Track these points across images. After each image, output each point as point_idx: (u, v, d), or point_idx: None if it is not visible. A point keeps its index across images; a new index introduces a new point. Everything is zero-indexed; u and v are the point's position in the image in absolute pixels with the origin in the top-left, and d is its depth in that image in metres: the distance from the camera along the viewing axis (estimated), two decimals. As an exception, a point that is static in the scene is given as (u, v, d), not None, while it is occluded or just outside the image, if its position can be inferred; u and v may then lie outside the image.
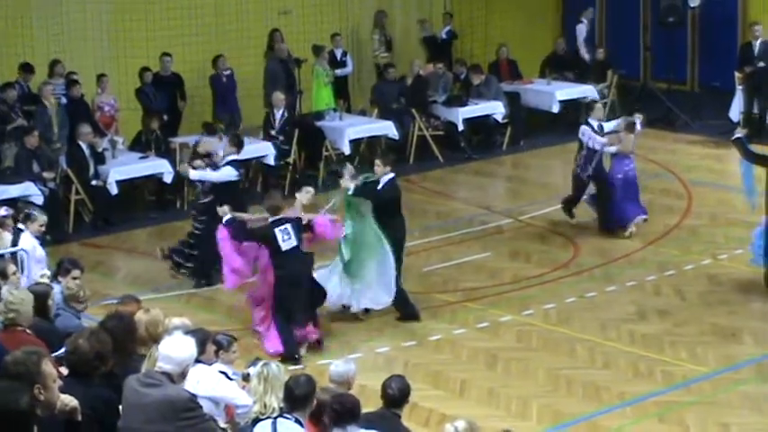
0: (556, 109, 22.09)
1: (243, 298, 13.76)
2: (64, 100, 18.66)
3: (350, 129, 20.03)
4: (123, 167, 17.94)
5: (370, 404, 8.83)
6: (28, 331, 8.65)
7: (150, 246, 16.43)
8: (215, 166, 15.04)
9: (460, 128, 21.05)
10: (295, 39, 21.65)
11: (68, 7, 20.20)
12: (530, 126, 22.18)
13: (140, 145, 18.85)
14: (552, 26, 25.71)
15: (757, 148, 15.28)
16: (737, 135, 15.09)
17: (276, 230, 12.86)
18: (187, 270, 15.21)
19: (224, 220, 13.32)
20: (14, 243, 12.59)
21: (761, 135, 19.87)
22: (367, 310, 13.86)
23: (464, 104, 21.18)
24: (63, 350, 7.78)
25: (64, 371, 7.47)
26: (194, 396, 7.51)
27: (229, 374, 9.11)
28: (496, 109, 21.38)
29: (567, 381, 12.22)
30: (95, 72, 19.66)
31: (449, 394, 12.05)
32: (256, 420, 8.00)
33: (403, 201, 14.18)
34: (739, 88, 21.43)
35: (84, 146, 17.63)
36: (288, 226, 12.90)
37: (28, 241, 12.55)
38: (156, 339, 8.32)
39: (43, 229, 12.89)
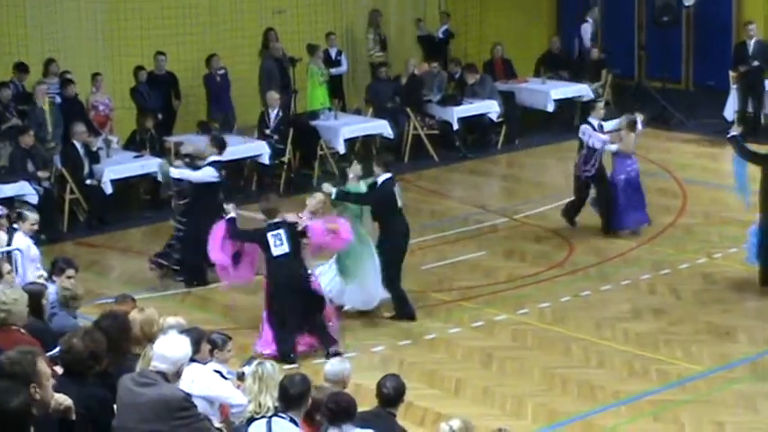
0: (551, 108, 22.10)
1: (238, 297, 13.75)
2: (58, 99, 18.65)
3: (345, 128, 20.03)
4: (118, 166, 17.92)
5: (366, 403, 8.81)
6: (22, 331, 8.63)
7: (145, 245, 16.43)
8: (196, 167, 14.97)
9: (455, 127, 21.06)
10: (290, 38, 21.66)
11: (63, 6, 20.20)
12: (524, 125, 22.19)
13: (135, 144, 18.85)
14: (547, 25, 25.73)
15: (752, 147, 15.27)
16: (733, 133, 15.09)
17: (269, 235, 12.72)
18: (176, 273, 15.16)
19: (227, 216, 13.25)
20: (10, 242, 12.58)
21: (755, 134, 19.89)
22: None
23: (459, 103, 21.19)
24: (57, 349, 7.78)
25: (58, 370, 7.46)
26: (189, 395, 7.51)
27: (224, 374, 9.11)
28: (491, 108, 21.39)
29: (562, 380, 12.22)
30: (90, 71, 19.66)
31: (444, 393, 12.05)
32: (251, 420, 7.99)
33: (399, 200, 14.13)
34: (733, 87, 21.46)
35: (78, 145, 17.61)
36: (281, 231, 12.69)
37: (22, 240, 12.54)
38: (150, 338, 8.31)
39: (35, 227, 12.85)
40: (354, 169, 14.17)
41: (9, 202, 15.92)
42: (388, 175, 13.83)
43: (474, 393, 12.02)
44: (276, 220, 12.83)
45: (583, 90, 22.26)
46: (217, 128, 19.30)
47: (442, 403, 11.66)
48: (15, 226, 12.78)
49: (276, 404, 7.95)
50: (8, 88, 18.37)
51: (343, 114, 20.99)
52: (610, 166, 16.47)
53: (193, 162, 15.14)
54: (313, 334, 12.91)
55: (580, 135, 16.49)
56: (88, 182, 17.66)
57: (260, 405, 7.99)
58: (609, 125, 16.98)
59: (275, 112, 19.39)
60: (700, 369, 12.38)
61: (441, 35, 23.36)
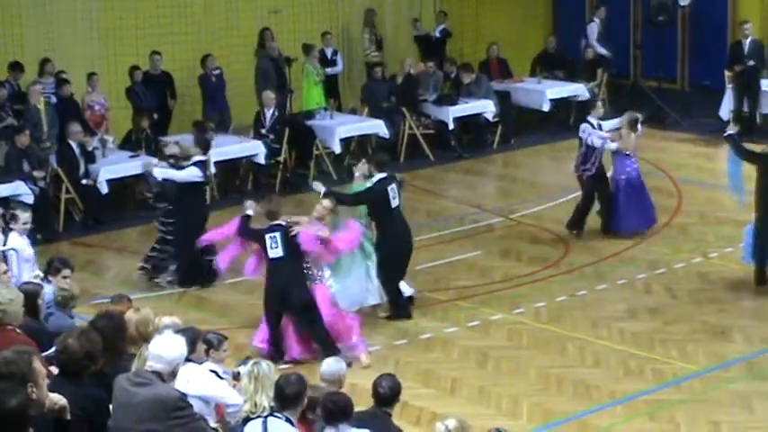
0: (546, 107, 22.10)
1: (236, 297, 13.74)
2: (54, 99, 18.64)
3: (340, 128, 20.03)
4: (113, 166, 17.91)
5: (362, 403, 8.82)
6: (18, 331, 8.63)
7: (141, 245, 16.39)
8: (180, 168, 14.94)
9: (451, 126, 21.06)
10: (285, 38, 21.66)
11: (58, 6, 20.19)
12: (520, 125, 22.20)
13: (130, 144, 18.84)
14: (543, 25, 25.73)
15: (748, 146, 15.27)
16: (730, 132, 15.10)
17: (267, 236, 12.64)
18: (168, 277, 15.08)
19: (246, 212, 13.18)
20: (5, 243, 12.58)
21: (751, 133, 19.90)
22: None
23: (454, 103, 21.19)
24: (53, 350, 7.77)
25: (54, 370, 7.46)
26: (184, 395, 7.51)
27: (220, 373, 9.10)
28: (487, 108, 21.39)
29: (558, 379, 12.22)
30: (85, 71, 19.64)
31: (440, 393, 12.05)
32: (247, 419, 8.00)
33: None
34: (729, 87, 21.46)
35: (74, 145, 17.61)
36: (277, 234, 12.59)
37: (16, 240, 12.53)
38: (146, 338, 8.31)
39: (27, 226, 12.82)
40: (361, 168, 14.07)
41: (5, 201, 15.91)
42: (383, 174, 13.80)
43: (470, 393, 12.03)
44: (277, 222, 12.77)
45: (578, 90, 22.27)
46: (213, 127, 19.31)
47: (437, 403, 11.66)
48: (12, 226, 12.78)
49: (272, 404, 7.95)
50: (4, 88, 18.35)
51: (338, 114, 20.99)
52: (610, 167, 16.45)
53: (178, 163, 15.09)
54: (311, 340, 12.72)
55: (580, 133, 16.39)
56: (84, 182, 17.66)
57: (256, 405, 7.99)
58: (608, 125, 16.95)
59: (271, 111, 19.39)
60: (695, 368, 12.39)
61: (438, 34, 23.34)
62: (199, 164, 14.89)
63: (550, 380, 12.23)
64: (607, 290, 14.67)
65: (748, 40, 21.34)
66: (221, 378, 9.05)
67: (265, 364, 8.27)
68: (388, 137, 20.37)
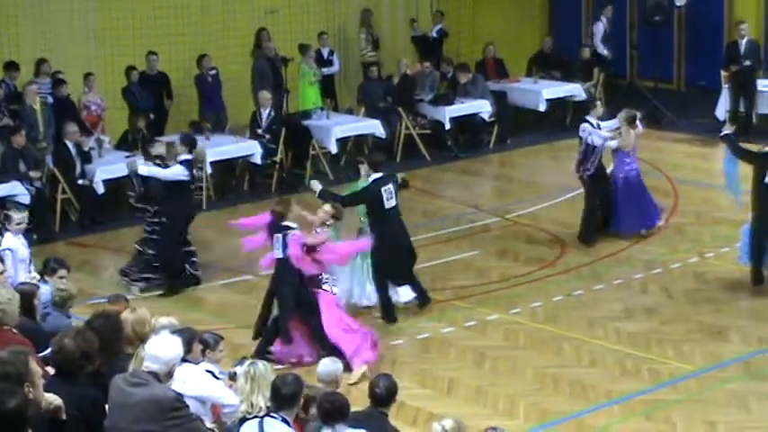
0: (542, 107, 22.11)
1: (233, 297, 13.73)
2: (50, 99, 18.63)
3: (337, 128, 20.02)
4: (110, 166, 17.88)
5: (358, 403, 8.82)
6: (14, 331, 8.62)
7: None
8: (166, 167, 14.90)
9: (447, 126, 21.06)
10: (282, 38, 21.66)
11: (55, 6, 20.19)
12: (516, 125, 22.20)
13: (127, 144, 18.82)
14: (539, 25, 25.75)
15: (745, 146, 15.27)
16: (726, 131, 15.09)
17: (273, 237, 12.67)
18: (153, 282, 15.03)
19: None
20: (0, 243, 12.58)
21: (747, 133, 19.90)
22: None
23: (451, 103, 21.19)
24: (49, 350, 7.77)
25: (51, 371, 7.46)
26: (181, 395, 7.51)
27: (216, 374, 9.10)
28: (483, 108, 21.39)
29: (554, 379, 12.23)
30: (82, 71, 19.64)
31: (436, 393, 12.04)
32: (243, 420, 7.99)
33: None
34: (725, 87, 21.48)
35: (70, 145, 17.59)
36: (280, 236, 12.61)
37: (11, 241, 12.53)
38: (142, 339, 8.31)
39: (22, 226, 12.79)
40: (365, 168, 14.07)
41: (1, 202, 15.90)
42: (378, 175, 13.78)
43: (466, 393, 12.02)
44: (285, 224, 12.74)
45: (575, 90, 22.28)
46: (209, 128, 19.31)
47: (434, 403, 11.65)
48: (7, 227, 12.78)
49: (268, 404, 7.95)
50: (0, 88, 18.34)
51: (335, 114, 20.98)
52: (610, 167, 16.41)
53: (164, 162, 15.05)
54: (316, 345, 12.60)
55: (580, 133, 16.31)
56: (80, 182, 17.64)
57: (252, 405, 7.98)
58: (607, 125, 16.93)
59: (267, 111, 19.38)
60: (692, 368, 12.39)
61: (435, 34, 23.35)
62: (185, 162, 14.85)
63: (547, 380, 12.23)
64: (603, 290, 14.66)
65: (744, 41, 21.36)
66: (218, 378, 9.05)
67: (262, 365, 8.26)
68: (384, 137, 20.36)
